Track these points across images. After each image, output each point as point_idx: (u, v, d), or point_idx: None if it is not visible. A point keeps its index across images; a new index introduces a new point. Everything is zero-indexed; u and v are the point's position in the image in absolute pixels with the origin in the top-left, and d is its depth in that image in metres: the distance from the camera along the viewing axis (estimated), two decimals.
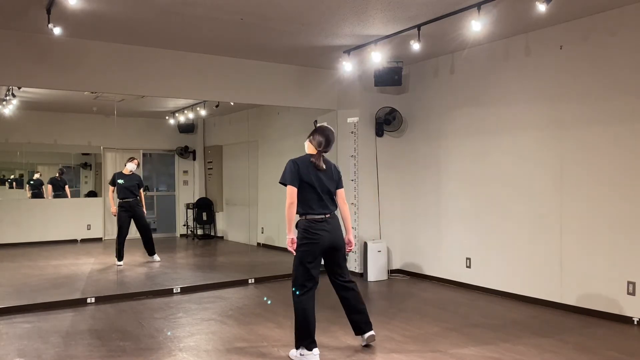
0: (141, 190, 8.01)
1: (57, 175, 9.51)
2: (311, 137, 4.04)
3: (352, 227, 5.24)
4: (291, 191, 3.84)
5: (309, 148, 4.03)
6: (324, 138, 3.98)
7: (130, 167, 7.85)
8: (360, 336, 4.13)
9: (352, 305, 4.07)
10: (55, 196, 9.30)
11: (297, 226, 3.95)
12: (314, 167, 3.91)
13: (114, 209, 7.84)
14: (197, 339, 4.40)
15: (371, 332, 4.10)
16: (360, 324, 4.09)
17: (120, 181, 7.74)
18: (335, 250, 3.99)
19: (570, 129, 5.23)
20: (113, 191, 7.83)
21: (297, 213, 3.91)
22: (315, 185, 3.89)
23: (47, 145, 9.11)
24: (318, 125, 4.11)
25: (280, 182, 3.91)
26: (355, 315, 4.09)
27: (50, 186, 9.34)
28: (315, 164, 3.91)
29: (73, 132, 9.02)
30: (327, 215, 3.94)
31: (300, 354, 3.82)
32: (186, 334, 4.52)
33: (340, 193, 4.09)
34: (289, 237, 3.87)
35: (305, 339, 3.82)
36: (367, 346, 4.12)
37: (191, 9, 4.76)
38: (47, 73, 5.56)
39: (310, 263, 3.87)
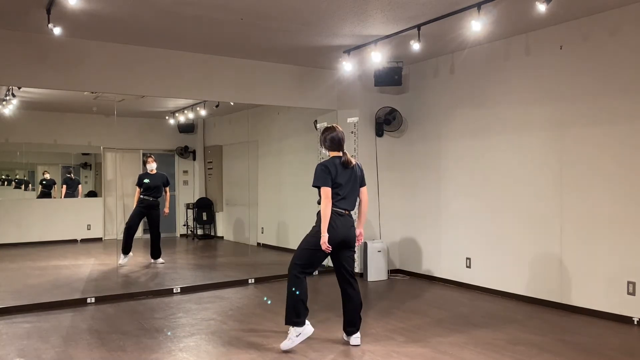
0: (167, 188, 8.03)
1: (71, 175, 9.54)
2: (323, 143, 4.14)
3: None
4: (327, 192, 3.97)
5: (330, 153, 4.14)
6: (335, 135, 4.09)
7: (152, 167, 7.86)
8: (344, 333, 4.26)
9: (351, 307, 4.17)
10: (67, 195, 9.33)
11: (317, 216, 4.07)
12: (342, 166, 4.04)
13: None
14: (197, 339, 4.40)
15: (356, 338, 4.17)
16: (349, 326, 4.20)
17: (146, 181, 7.76)
18: (346, 246, 4.11)
19: (570, 128, 5.23)
20: (140, 192, 7.79)
21: (318, 203, 4.05)
22: (343, 184, 4.03)
23: (47, 145, 9.11)
24: (323, 129, 4.18)
25: (313, 186, 4.03)
26: (349, 315, 4.19)
27: (64, 186, 9.38)
28: (347, 161, 4.05)
29: (73, 132, 9.02)
30: (346, 212, 4.08)
31: (296, 336, 3.98)
32: (186, 334, 4.52)
33: (364, 190, 4.25)
34: (325, 236, 3.94)
35: (301, 315, 4.00)
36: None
37: (191, 9, 4.76)
38: (47, 73, 5.56)
39: (320, 251, 3.98)
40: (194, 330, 4.63)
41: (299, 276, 4.02)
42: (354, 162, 4.12)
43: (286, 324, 4.07)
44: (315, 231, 4.05)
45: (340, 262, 4.16)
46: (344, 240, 4.07)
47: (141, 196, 7.77)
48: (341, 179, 4.02)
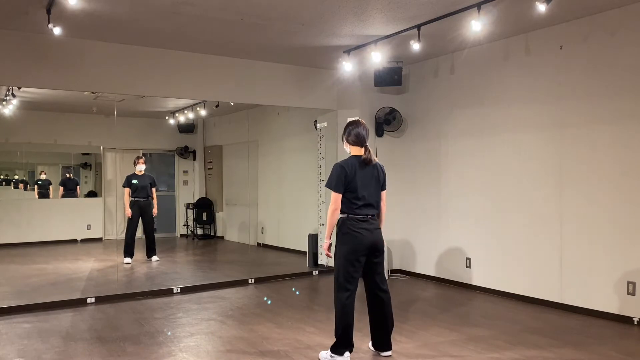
0: (154, 189, 8.08)
1: (69, 175, 9.55)
2: (346, 136, 3.93)
3: None
4: (336, 197, 3.78)
5: (352, 149, 3.92)
6: (360, 128, 3.88)
7: (141, 168, 7.93)
8: (372, 348, 4.07)
9: (382, 320, 3.95)
10: (65, 196, 9.34)
11: (337, 225, 3.88)
12: (362, 165, 3.82)
13: (129, 211, 7.87)
14: (197, 339, 4.40)
15: (389, 354, 3.97)
16: (381, 342, 3.98)
17: (134, 182, 7.84)
18: (376, 253, 3.87)
19: (570, 128, 5.23)
20: (129, 193, 7.88)
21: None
22: (361, 187, 3.80)
23: (47, 145, 9.11)
24: (348, 122, 3.97)
25: (326, 186, 3.87)
26: (380, 330, 3.96)
27: (61, 187, 9.39)
28: (367, 159, 3.83)
29: (73, 132, 9.02)
30: (369, 216, 3.85)
31: (331, 356, 3.78)
32: (186, 334, 4.52)
33: (383, 195, 3.98)
34: (327, 242, 3.89)
35: (343, 345, 3.79)
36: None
37: (191, 9, 4.76)
38: (47, 73, 5.56)
39: (352, 260, 3.77)
40: (194, 330, 4.63)
41: (338, 295, 3.79)
42: (375, 160, 3.87)
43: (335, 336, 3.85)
44: (340, 242, 3.85)
45: (372, 272, 3.88)
46: (373, 246, 3.82)
47: (132, 198, 7.87)
48: (358, 180, 3.77)
